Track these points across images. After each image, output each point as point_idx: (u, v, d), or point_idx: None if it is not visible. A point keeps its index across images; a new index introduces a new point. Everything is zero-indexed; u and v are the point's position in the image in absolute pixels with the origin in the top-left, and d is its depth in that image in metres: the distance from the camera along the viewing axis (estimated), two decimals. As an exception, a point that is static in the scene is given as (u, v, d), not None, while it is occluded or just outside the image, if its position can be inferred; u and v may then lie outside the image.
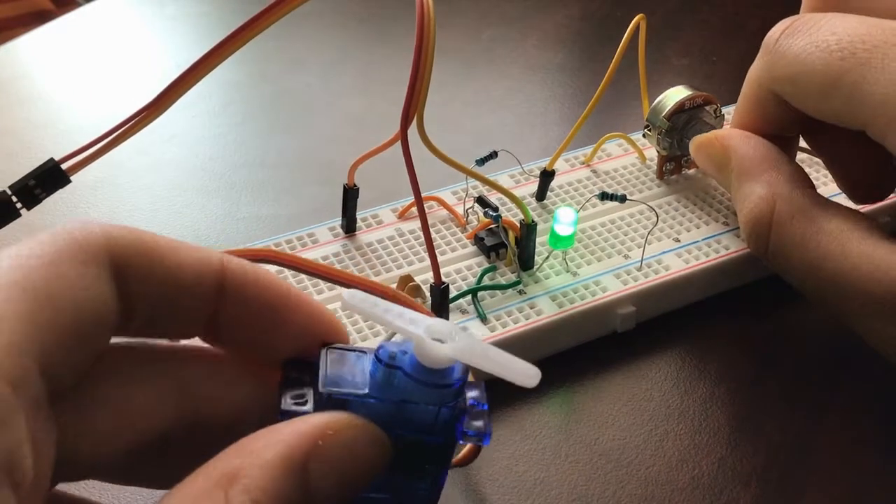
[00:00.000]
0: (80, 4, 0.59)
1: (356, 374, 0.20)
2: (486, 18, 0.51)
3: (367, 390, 0.19)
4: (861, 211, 0.29)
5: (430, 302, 0.29)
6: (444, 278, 0.28)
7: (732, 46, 0.48)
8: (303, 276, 0.30)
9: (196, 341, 0.21)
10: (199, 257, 0.19)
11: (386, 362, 0.19)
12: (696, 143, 0.32)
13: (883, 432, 0.28)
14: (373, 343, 0.28)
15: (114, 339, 0.20)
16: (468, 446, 0.24)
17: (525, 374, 0.19)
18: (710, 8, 0.52)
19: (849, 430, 0.28)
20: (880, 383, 0.29)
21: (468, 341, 0.19)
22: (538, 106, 0.44)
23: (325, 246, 0.32)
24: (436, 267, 0.28)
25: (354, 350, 0.20)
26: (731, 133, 0.31)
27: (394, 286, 0.29)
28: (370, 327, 0.29)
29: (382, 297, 0.24)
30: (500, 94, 0.45)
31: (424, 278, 0.30)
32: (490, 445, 0.27)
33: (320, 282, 0.30)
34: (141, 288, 0.19)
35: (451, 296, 0.29)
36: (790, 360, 0.30)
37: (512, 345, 0.28)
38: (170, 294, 0.19)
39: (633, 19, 0.34)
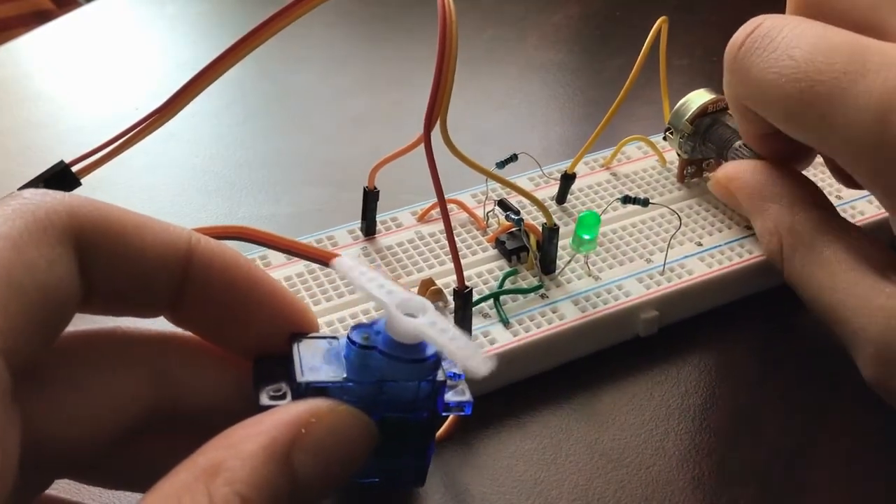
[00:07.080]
0: (80, 4, 0.59)
1: (331, 360, 0.20)
2: (486, 18, 0.51)
3: (345, 375, 0.19)
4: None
5: (452, 306, 0.28)
6: (465, 282, 0.28)
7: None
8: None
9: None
10: (166, 237, 0.19)
11: (360, 344, 0.19)
12: (710, 188, 0.33)
13: (883, 433, 0.28)
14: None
15: (92, 326, 0.20)
16: (449, 420, 0.24)
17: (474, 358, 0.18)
18: (710, 8, 0.52)
19: (849, 430, 0.28)
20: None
21: (433, 317, 0.19)
22: (539, 106, 0.44)
23: (344, 249, 0.32)
24: (459, 271, 0.27)
25: (325, 337, 0.20)
26: (727, 172, 0.32)
27: (415, 290, 0.29)
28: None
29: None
30: (501, 94, 0.45)
31: (445, 282, 0.30)
32: (490, 445, 0.27)
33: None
34: (103, 267, 0.18)
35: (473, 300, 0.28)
36: (791, 360, 0.30)
37: (534, 350, 0.28)
38: (132, 274, 0.19)
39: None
